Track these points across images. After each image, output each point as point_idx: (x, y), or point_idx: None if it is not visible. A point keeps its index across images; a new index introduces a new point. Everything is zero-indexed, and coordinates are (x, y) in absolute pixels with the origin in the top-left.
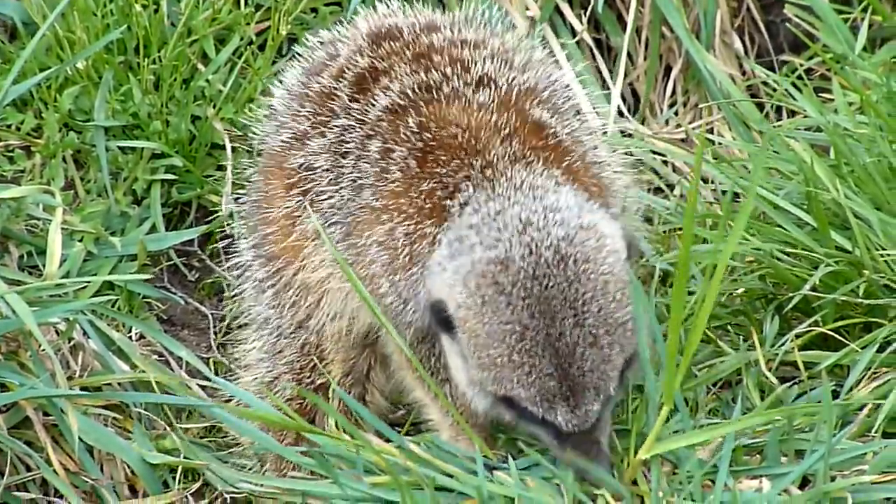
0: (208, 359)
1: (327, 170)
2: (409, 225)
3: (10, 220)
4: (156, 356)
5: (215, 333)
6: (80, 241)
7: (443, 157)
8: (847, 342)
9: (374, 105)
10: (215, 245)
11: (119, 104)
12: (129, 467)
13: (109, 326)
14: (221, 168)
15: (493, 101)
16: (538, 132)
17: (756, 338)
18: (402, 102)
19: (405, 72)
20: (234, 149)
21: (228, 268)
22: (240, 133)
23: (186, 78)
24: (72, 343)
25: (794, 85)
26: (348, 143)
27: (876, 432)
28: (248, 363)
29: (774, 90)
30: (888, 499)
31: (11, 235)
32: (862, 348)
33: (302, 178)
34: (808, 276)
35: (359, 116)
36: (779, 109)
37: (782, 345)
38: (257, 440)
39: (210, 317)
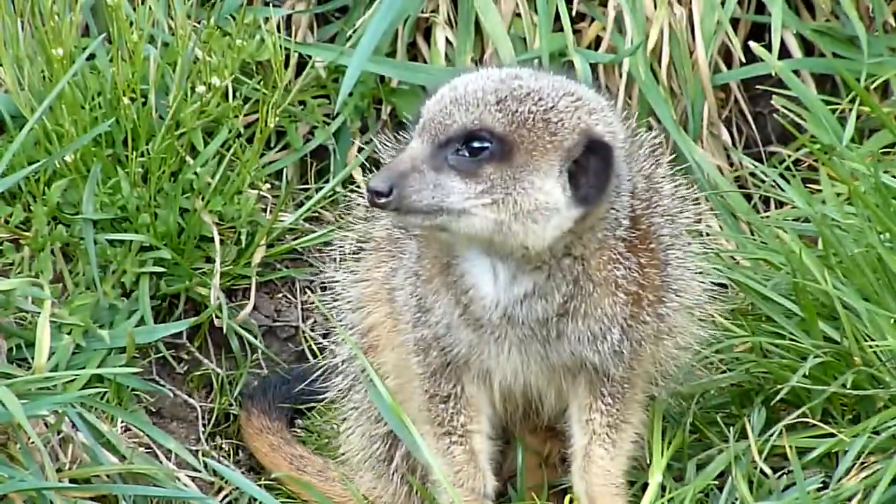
0: (197, 451)
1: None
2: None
3: None
4: (144, 449)
5: (204, 426)
6: (69, 333)
7: None
8: (834, 430)
9: None
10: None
11: (107, 197)
12: None
13: (98, 419)
14: (210, 260)
15: None
16: None
17: (747, 428)
18: None
19: None
20: (222, 241)
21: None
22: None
23: (175, 170)
24: (61, 435)
25: (781, 176)
26: None
27: None
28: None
29: (762, 181)
30: None
31: (0, 328)
32: (851, 437)
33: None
34: (796, 366)
35: None
36: (767, 200)
37: (770, 435)
38: None
39: (199, 409)
